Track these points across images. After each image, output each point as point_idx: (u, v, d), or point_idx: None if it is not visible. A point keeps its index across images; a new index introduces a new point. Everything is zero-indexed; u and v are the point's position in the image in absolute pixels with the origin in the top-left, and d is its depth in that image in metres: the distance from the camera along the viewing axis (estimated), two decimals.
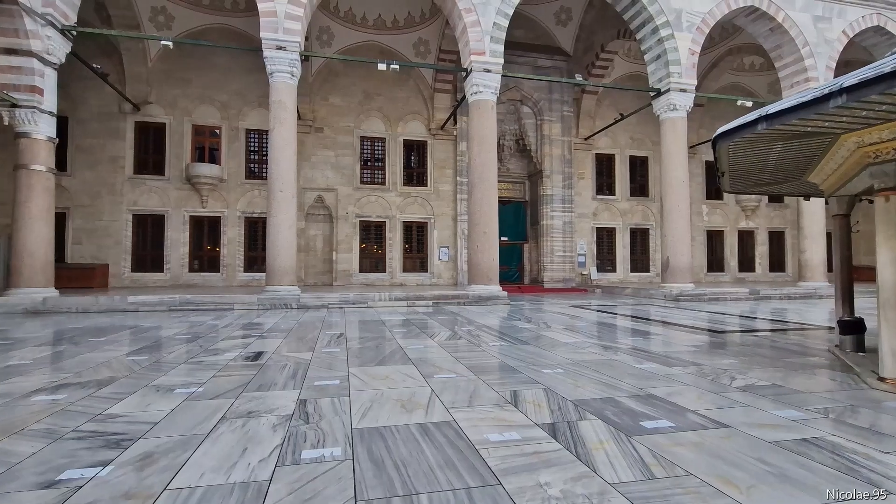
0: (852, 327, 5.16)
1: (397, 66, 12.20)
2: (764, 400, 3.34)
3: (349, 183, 17.32)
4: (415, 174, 18.20)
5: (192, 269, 16.22)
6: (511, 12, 12.73)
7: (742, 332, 7.13)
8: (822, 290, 14.99)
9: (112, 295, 10.95)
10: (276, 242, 11.00)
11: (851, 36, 16.24)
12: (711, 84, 20.33)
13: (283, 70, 11.22)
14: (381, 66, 12.01)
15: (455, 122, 17.83)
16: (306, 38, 14.87)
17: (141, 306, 10.20)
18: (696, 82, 14.33)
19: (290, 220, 11.13)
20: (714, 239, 21.93)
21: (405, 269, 17.75)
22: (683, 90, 14.04)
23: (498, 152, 15.73)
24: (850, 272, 5.50)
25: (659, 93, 14.28)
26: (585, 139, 19.69)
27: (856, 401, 3.34)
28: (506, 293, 12.20)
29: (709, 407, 3.15)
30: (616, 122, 17.52)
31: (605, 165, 20.42)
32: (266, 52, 11.14)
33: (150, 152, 16.23)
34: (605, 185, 20.38)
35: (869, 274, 23.13)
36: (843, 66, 16.71)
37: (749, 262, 22.44)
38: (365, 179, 17.67)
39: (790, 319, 8.77)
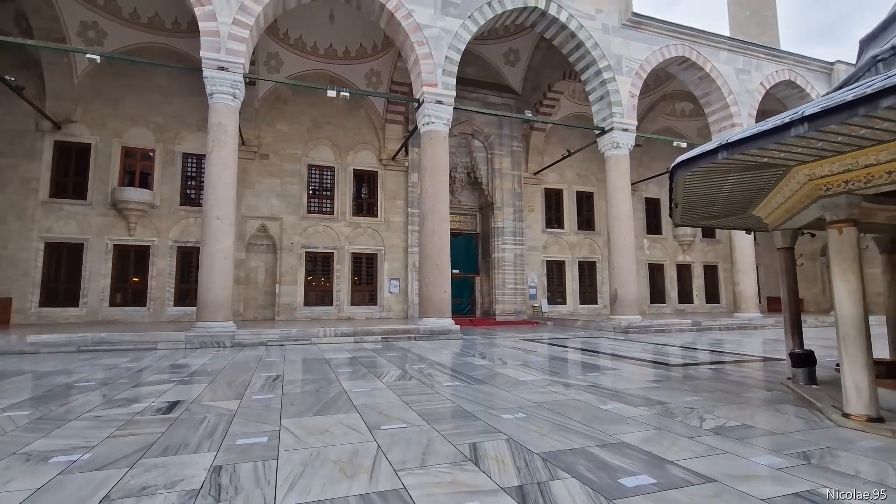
0: (804, 360, 5.18)
1: (347, 94, 11.92)
2: (740, 445, 3.09)
3: (295, 212, 16.56)
4: (365, 204, 17.74)
5: (113, 304, 14.62)
6: (462, 48, 12.93)
7: (695, 364, 7.10)
8: (756, 321, 15.74)
9: (9, 334, 9.49)
10: (210, 273, 10.07)
11: (768, 87, 17.87)
12: (648, 126, 21.60)
13: (225, 91, 10.61)
14: (331, 93, 11.68)
15: (406, 153, 17.69)
16: (253, 63, 14.37)
17: (42, 347, 8.86)
18: (636, 122, 15.08)
19: (226, 249, 10.27)
20: (655, 272, 22.81)
21: (353, 303, 16.97)
22: (625, 129, 14.71)
23: (450, 184, 15.65)
24: (797, 304, 5.58)
25: (603, 131, 14.87)
26: (535, 174, 20.15)
27: (830, 441, 3.17)
28: (458, 327, 11.81)
29: (687, 456, 2.86)
30: (563, 158, 18.08)
31: (553, 200, 20.93)
32: (206, 73, 10.52)
33: (71, 175, 14.77)
34: (554, 218, 20.82)
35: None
36: (761, 115, 18.22)
37: (687, 293, 23.47)
38: (312, 209, 16.98)
39: (734, 351, 8.94)
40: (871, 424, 3.47)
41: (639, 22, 15.33)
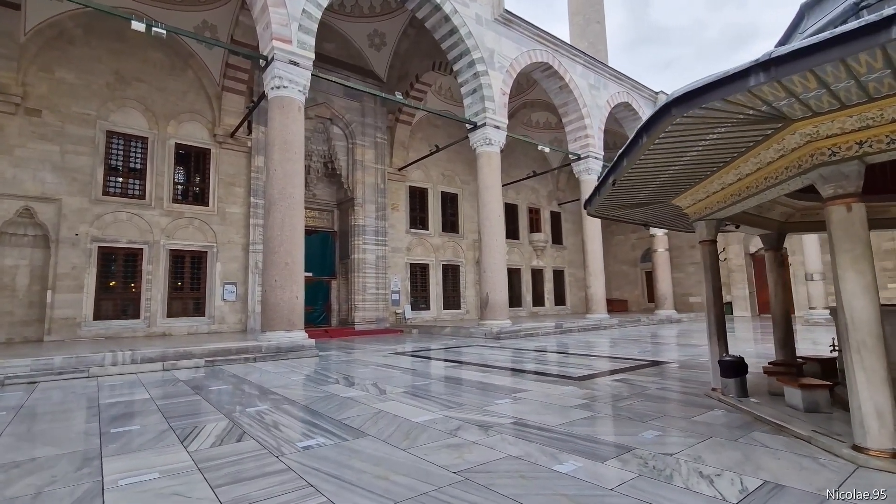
0: (735, 369, 4.51)
1: (163, 32, 8.81)
2: None
3: (84, 193, 12.20)
4: (191, 189, 14.08)
5: None
6: (325, 4, 10.78)
7: (598, 375, 6.25)
8: (605, 322, 16.63)
9: None
10: None
11: (612, 106, 19.40)
12: (509, 132, 21.94)
13: None
14: (137, 26, 8.46)
15: (250, 131, 14.61)
16: None
17: None
18: (507, 121, 14.69)
19: None
20: (512, 276, 23.25)
21: (172, 314, 13.20)
22: (497, 127, 14.17)
23: (304, 174, 13.16)
24: (722, 304, 4.98)
25: (475, 126, 14.10)
26: (399, 169, 18.69)
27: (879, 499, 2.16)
28: (313, 342, 9.55)
29: None
30: (432, 153, 16.97)
31: (418, 199, 19.73)
32: None
33: None
34: (418, 218, 19.60)
35: (620, 305, 27.99)
36: (606, 132, 19.72)
37: (540, 297, 24.51)
38: (113, 190, 12.77)
39: (616, 355, 8.58)
40: None
41: (510, 20, 15.04)
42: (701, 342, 10.61)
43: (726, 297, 23.95)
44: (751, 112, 2.79)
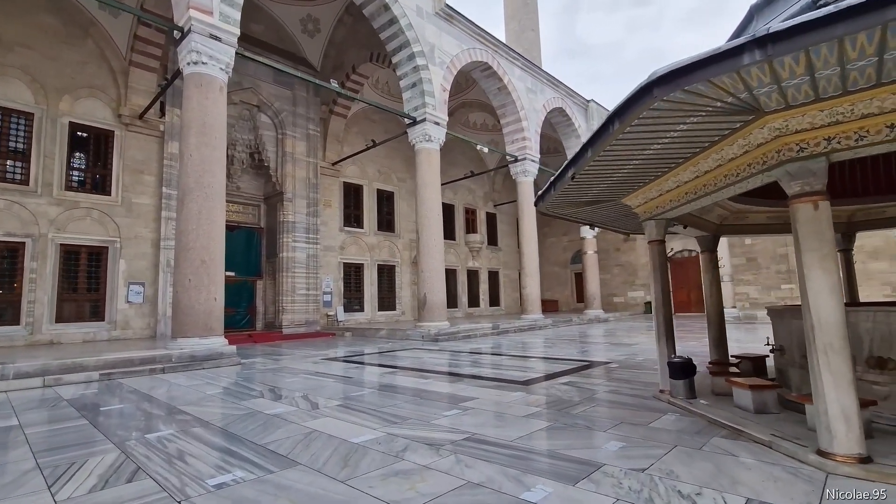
0: (684, 370, 4.46)
1: None
2: None
3: None
4: (90, 176, 12.31)
5: None
6: None
7: (545, 378, 6.05)
8: (541, 322, 16.88)
9: None
10: None
11: (548, 110, 19.83)
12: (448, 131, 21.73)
13: None
14: None
15: (163, 114, 13.08)
16: None
17: None
18: (447, 118, 14.40)
19: None
20: (449, 277, 23.03)
21: (62, 319, 11.41)
22: (437, 123, 13.83)
23: (227, 165, 11.92)
24: (670, 305, 4.95)
25: (415, 121, 13.66)
26: (333, 164, 17.77)
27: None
28: (234, 348, 8.58)
29: None
30: (368, 148, 16.26)
31: (353, 196, 18.89)
32: None
33: None
34: (353, 216, 18.77)
35: (552, 305, 28.83)
36: (541, 137, 20.12)
37: (475, 298, 24.54)
38: None
39: (558, 356, 8.53)
40: (865, 467, 2.56)
41: (451, 15, 14.78)
42: (632, 341, 10.94)
43: (646, 297, 25.46)
44: (729, 100, 2.61)
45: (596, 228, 22.28)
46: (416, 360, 8.42)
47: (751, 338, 10.62)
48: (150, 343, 10.51)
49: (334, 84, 12.71)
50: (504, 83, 17.32)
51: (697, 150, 3.49)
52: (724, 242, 20.01)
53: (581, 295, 27.74)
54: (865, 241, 18.93)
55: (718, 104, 2.66)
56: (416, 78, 13.66)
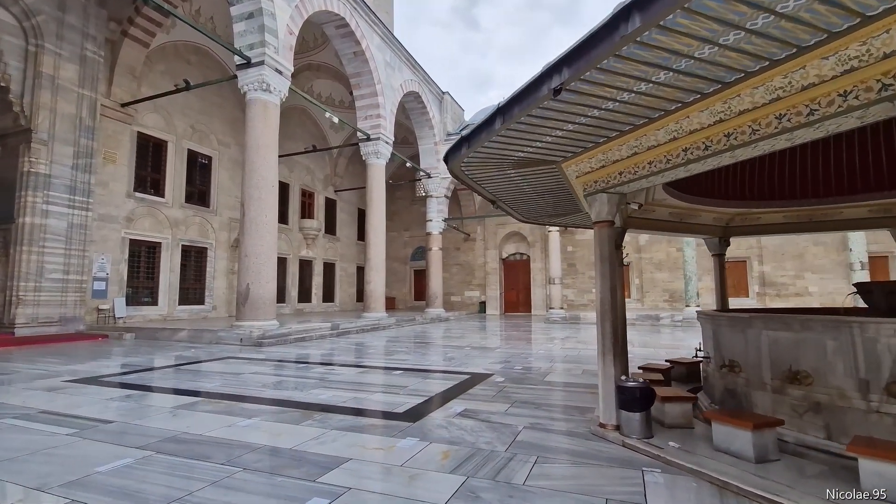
0: (643, 400, 3.25)
1: None
2: None
3: None
4: None
5: None
6: None
7: (430, 407, 4.35)
8: (384, 321, 15.24)
9: None
10: None
11: (405, 92, 18.36)
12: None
13: None
14: None
15: None
16: None
17: None
18: (292, 69, 11.69)
19: None
20: (279, 267, 19.70)
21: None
22: (279, 71, 11.04)
23: None
24: (625, 310, 3.72)
25: (249, 63, 10.62)
26: (124, 105, 13.12)
27: None
28: None
29: None
30: (179, 90, 12.22)
31: (152, 153, 14.33)
32: None
33: None
34: (150, 180, 14.23)
35: (390, 303, 27.47)
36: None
37: (307, 292, 21.65)
38: None
39: (424, 366, 6.94)
40: None
41: None
42: (491, 344, 10.08)
43: (481, 297, 26.09)
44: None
45: (444, 224, 21.64)
46: (233, 377, 5.87)
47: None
48: None
49: None
50: (362, 48, 15.21)
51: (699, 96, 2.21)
52: (555, 248, 21.35)
53: (420, 293, 27.10)
54: (653, 254, 22.21)
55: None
56: (255, 7, 10.64)
